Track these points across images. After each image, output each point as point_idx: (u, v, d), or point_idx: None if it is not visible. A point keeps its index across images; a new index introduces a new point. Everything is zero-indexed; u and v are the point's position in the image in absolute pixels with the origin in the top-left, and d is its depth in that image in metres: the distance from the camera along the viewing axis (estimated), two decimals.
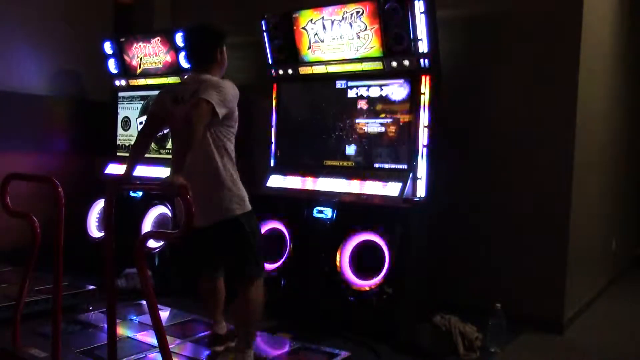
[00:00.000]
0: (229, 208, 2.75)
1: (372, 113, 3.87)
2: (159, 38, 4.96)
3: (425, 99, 3.63)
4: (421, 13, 3.55)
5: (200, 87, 2.68)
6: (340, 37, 3.89)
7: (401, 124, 3.75)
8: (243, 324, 2.89)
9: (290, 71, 4.21)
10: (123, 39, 5.22)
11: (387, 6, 3.62)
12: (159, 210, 4.71)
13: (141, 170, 3.85)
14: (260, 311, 2.88)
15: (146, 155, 3.05)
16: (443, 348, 3.33)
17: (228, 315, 3.13)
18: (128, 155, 2.94)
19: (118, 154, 5.30)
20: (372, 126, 3.87)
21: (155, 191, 4.13)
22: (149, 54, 5.06)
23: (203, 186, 2.69)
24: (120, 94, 5.42)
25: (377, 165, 3.84)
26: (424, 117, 3.63)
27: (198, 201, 2.63)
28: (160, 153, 4.92)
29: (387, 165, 3.80)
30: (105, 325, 2.81)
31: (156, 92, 4.89)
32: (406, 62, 3.68)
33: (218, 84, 2.69)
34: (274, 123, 4.31)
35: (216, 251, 2.91)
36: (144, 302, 3.87)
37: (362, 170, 3.86)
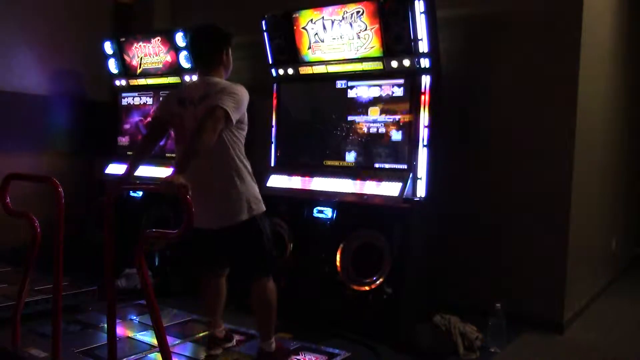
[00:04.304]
0: (247, 210, 2.77)
1: (372, 113, 3.87)
2: (159, 38, 4.96)
3: (425, 98, 3.63)
4: (421, 13, 3.55)
5: (211, 92, 2.68)
6: (341, 37, 3.89)
7: (401, 124, 3.75)
8: (263, 317, 2.95)
9: (290, 71, 4.21)
10: (123, 39, 5.22)
11: (387, 6, 3.62)
12: (159, 210, 4.71)
13: (141, 170, 3.86)
14: (276, 303, 2.94)
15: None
16: (443, 348, 3.33)
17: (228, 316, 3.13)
18: (130, 156, 2.94)
19: (118, 154, 5.29)
20: (372, 126, 3.87)
21: (155, 191, 4.13)
22: (149, 54, 5.07)
23: (218, 188, 2.71)
24: (121, 93, 5.42)
25: (377, 165, 3.84)
26: (424, 117, 3.63)
27: (212, 203, 2.65)
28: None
29: (387, 165, 3.80)
30: (105, 325, 2.81)
31: (156, 92, 5.09)
32: (406, 62, 3.68)
33: (232, 90, 2.69)
34: (274, 123, 4.31)
35: (229, 252, 2.91)
36: (144, 302, 3.87)
37: (362, 170, 3.86)
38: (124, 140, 5.40)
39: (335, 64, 3.99)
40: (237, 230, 2.78)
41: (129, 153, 4.83)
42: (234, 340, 3.23)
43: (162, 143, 4.86)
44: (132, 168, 2.84)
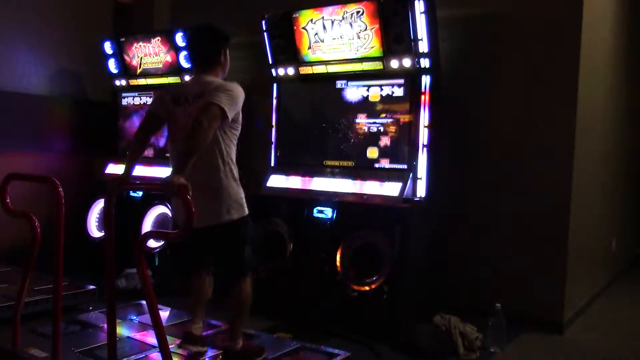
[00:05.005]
0: (227, 213, 2.77)
1: (372, 113, 3.87)
2: (159, 38, 4.96)
3: (425, 99, 3.63)
4: (421, 13, 3.55)
5: (206, 90, 2.68)
6: (341, 37, 3.89)
7: (401, 124, 3.75)
8: (237, 316, 2.98)
9: (290, 71, 4.21)
10: (123, 39, 5.22)
11: (387, 6, 3.62)
12: (159, 210, 4.71)
13: (141, 170, 3.86)
14: (249, 305, 2.97)
15: (146, 155, 3.04)
16: (443, 348, 3.33)
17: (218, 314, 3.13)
18: (127, 155, 2.94)
19: (118, 154, 5.29)
20: (372, 126, 3.87)
21: (156, 191, 4.13)
22: (149, 54, 5.07)
23: (203, 188, 2.69)
24: (121, 93, 5.42)
25: (377, 165, 3.84)
26: (424, 117, 3.63)
27: (197, 202, 2.64)
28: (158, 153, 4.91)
29: (387, 165, 3.80)
30: (105, 325, 2.80)
31: (156, 92, 5.08)
32: (406, 62, 3.68)
33: (226, 87, 2.69)
34: (274, 123, 4.32)
35: (210, 251, 2.94)
36: (144, 302, 3.87)
37: (362, 170, 3.86)
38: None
39: (335, 64, 3.99)
40: (218, 231, 2.79)
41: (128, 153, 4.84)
42: (206, 347, 3.14)
43: (162, 145, 4.90)
44: (130, 167, 2.83)
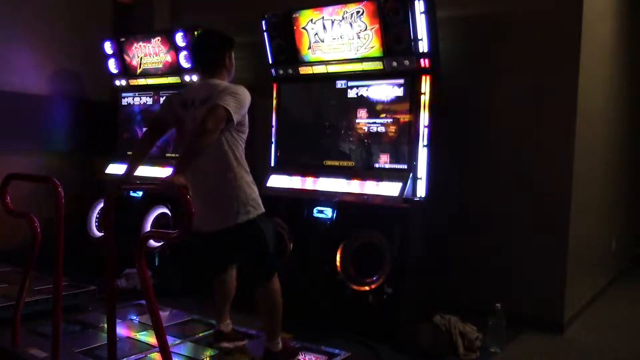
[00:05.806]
0: (244, 213, 2.77)
1: (372, 113, 3.87)
2: (159, 38, 4.96)
3: (425, 99, 3.64)
4: (421, 13, 3.55)
5: (213, 93, 2.69)
6: (341, 37, 3.89)
7: (401, 124, 3.75)
8: (269, 315, 2.96)
9: (290, 71, 4.21)
10: (123, 39, 5.23)
11: (387, 6, 3.62)
12: (159, 210, 4.71)
13: (141, 170, 3.86)
14: (280, 303, 2.96)
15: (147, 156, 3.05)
16: (443, 348, 3.33)
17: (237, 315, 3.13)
18: (130, 155, 2.95)
19: (118, 154, 5.29)
20: (372, 126, 3.87)
21: (155, 191, 4.13)
22: (149, 54, 5.07)
23: (217, 190, 2.72)
24: (121, 93, 5.42)
25: (377, 165, 3.84)
26: (424, 117, 3.63)
27: (211, 205, 2.66)
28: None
29: (387, 165, 3.80)
30: (105, 325, 2.81)
31: (156, 92, 5.09)
32: (406, 62, 3.68)
33: (233, 90, 2.71)
34: (274, 123, 4.32)
35: (232, 252, 2.94)
36: (144, 302, 3.86)
37: (362, 170, 3.86)
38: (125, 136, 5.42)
39: (335, 64, 3.99)
40: (236, 233, 2.79)
41: (129, 153, 4.85)
42: (245, 341, 3.22)
43: (161, 142, 4.90)
44: (131, 168, 2.84)
